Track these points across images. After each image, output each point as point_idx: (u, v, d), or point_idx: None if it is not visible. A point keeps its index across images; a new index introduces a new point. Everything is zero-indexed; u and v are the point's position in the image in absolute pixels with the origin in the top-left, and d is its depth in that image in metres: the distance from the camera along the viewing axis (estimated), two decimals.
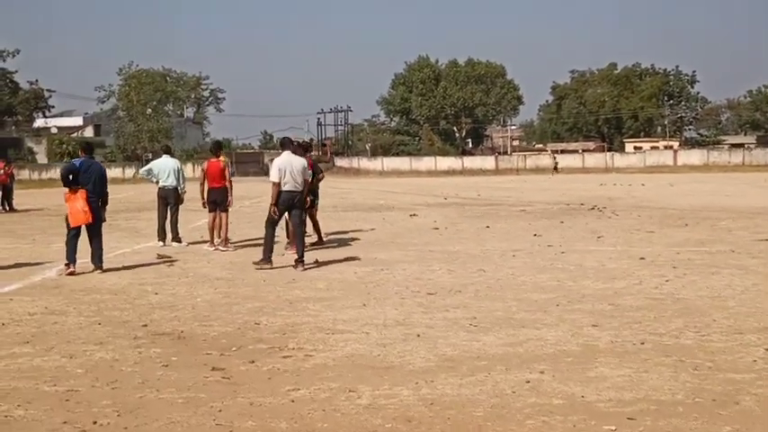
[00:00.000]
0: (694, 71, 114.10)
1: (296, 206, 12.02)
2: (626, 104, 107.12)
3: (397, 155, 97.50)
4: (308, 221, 14.15)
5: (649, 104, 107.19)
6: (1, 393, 5.68)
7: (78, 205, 11.44)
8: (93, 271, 11.45)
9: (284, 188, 11.86)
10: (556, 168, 76.63)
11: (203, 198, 14.11)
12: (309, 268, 11.67)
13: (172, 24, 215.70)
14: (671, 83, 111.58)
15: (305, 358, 6.56)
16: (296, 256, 11.76)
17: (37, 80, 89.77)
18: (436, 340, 7.06)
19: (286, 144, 12.42)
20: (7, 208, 26.77)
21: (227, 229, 14.17)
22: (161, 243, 14.76)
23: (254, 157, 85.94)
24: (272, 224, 11.99)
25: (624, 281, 10.12)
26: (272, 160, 13.13)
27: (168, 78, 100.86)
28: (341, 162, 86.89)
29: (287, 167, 11.88)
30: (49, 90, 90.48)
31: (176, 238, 14.84)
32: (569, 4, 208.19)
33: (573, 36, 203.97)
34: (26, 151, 75.28)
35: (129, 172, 69.65)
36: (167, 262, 12.58)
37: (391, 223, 19.55)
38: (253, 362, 6.45)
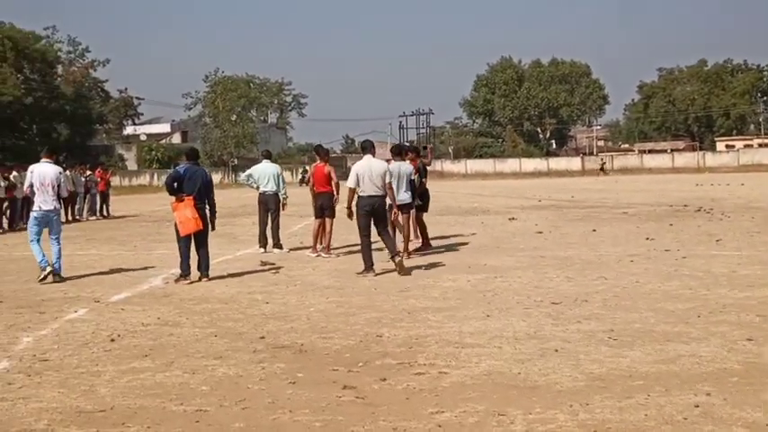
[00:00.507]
0: None
1: (378, 212, 11.71)
2: (717, 102, 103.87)
3: (480, 157, 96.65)
4: (410, 225, 13.77)
5: (742, 101, 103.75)
6: (128, 413, 5.38)
7: (188, 213, 11.21)
8: (200, 279, 11.24)
9: (363, 194, 11.58)
10: (602, 169, 74.29)
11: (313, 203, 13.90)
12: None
13: (255, 30, 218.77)
14: (765, 79, 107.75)
15: (439, 376, 6.10)
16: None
17: (126, 88, 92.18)
18: (577, 356, 6.52)
19: (367, 148, 12.13)
20: (105, 214, 27.15)
21: (330, 235, 13.83)
22: (262, 249, 14.53)
23: (336, 162, 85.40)
24: (365, 234, 11.63)
25: (764, 289, 9.37)
26: (352, 163, 12.79)
27: (252, 84, 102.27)
28: None
29: (366, 173, 11.59)
30: (138, 98, 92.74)
31: (277, 245, 14.60)
32: (655, 0, 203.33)
33: (660, 33, 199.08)
34: (117, 158, 77.14)
35: (217, 177, 70.53)
36: (272, 269, 12.31)
37: (491, 227, 19.00)
38: (384, 379, 6.03)
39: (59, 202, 12.22)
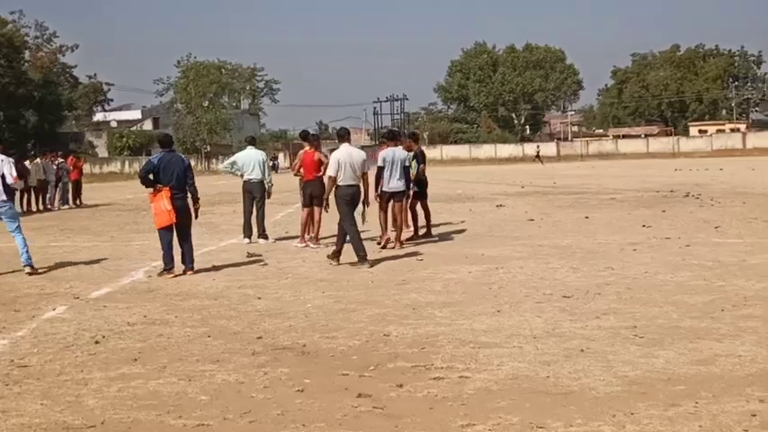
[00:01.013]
0: (760, 51, 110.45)
1: (357, 201, 11.50)
2: (690, 87, 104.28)
3: (455, 143, 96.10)
4: (406, 213, 13.25)
5: (714, 86, 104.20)
6: (121, 428, 4.82)
7: (162, 205, 10.57)
8: (184, 272, 10.63)
9: (342, 183, 11.23)
10: (538, 156, 73.64)
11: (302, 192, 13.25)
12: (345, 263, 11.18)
13: (226, 16, 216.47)
14: (736, 64, 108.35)
15: (461, 380, 5.58)
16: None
17: (96, 74, 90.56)
18: (605, 356, 6.03)
19: (344, 135, 11.81)
20: (78, 203, 26.32)
21: (319, 225, 13.26)
22: (246, 240, 13.92)
23: None
24: (351, 223, 11.22)
25: None
26: (330, 151, 12.33)
27: (223, 70, 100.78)
28: None
29: (347, 161, 11.26)
30: (107, 84, 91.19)
31: (263, 235, 14.00)
32: None
33: (633, 18, 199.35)
34: (87, 145, 75.62)
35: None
36: (260, 261, 11.72)
37: (480, 214, 18.51)
38: (401, 386, 5.50)
39: (6, 194, 11.24)
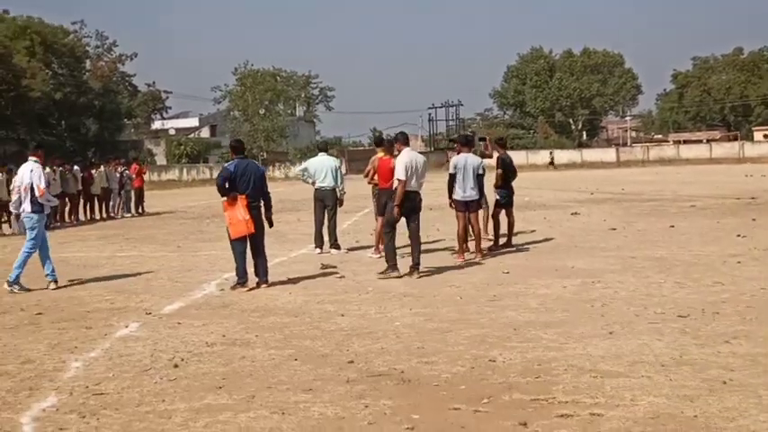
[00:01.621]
0: None
1: (417, 208, 10.95)
2: (754, 91, 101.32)
3: (512, 149, 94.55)
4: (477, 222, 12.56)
5: None
6: None
7: (239, 215, 10.03)
8: (258, 286, 10.07)
9: (408, 188, 10.74)
10: (552, 163, 71.88)
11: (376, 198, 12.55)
12: (424, 276, 10.65)
13: (283, 24, 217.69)
14: None
15: (593, 419, 4.87)
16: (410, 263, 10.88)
17: (154, 82, 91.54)
18: (756, 391, 5.26)
19: (406, 140, 11.37)
20: (140, 211, 26.12)
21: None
22: (318, 250, 13.35)
23: (366, 155, 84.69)
24: (391, 226, 10.88)
25: None
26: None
27: (278, 78, 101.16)
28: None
29: (413, 165, 10.74)
30: (165, 92, 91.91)
31: (335, 245, 13.40)
32: None
33: (694, 21, 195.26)
34: (146, 153, 76.30)
35: None
36: (335, 273, 11.11)
37: (557, 223, 17.71)
38: (525, 424, 4.81)
39: (33, 204, 10.56)
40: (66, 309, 9.18)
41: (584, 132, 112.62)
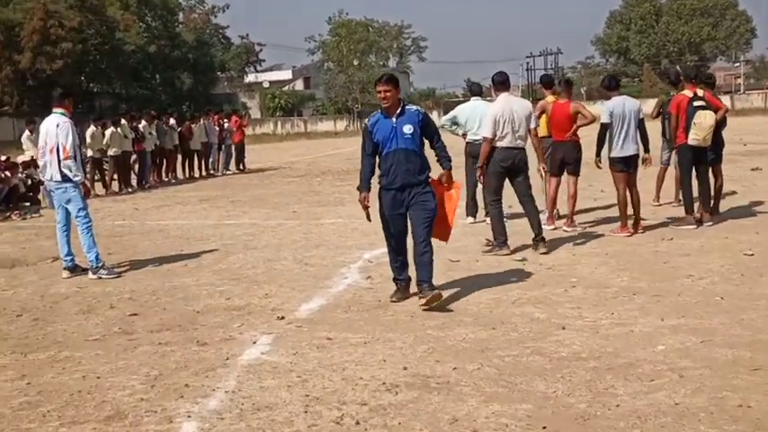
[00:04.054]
0: None
1: (518, 169, 8.60)
2: None
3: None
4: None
5: None
6: None
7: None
8: (429, 297, 7.51)
9: (501, 144, 8.46)
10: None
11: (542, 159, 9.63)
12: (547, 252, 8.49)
13: None
14: None
15: None
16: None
17: (248, 34, 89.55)
18: None
19: (504, 82, 8.76)
20: (241, 168, 23.95)
21: (575, 200, 9.94)
22: (470, 219, 10.75)
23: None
24: (494, 198, 8.71)
25: None
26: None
27: (371, 28, 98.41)
28: None
29: (506, 116, 8.42)
30: (259, 44, 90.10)
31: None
32: None
33: None
34: (241, 106, 74.88)
35: (341, 125, 67.86)
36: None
37: (748, 181, 14.48)
38: None
39: (66, 169, 8.11)
40: (169, 306, 6.84)
41: None
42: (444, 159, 6.72)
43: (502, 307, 6.31)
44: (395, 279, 6.82)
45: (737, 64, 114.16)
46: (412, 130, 6.46)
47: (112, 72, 59.65)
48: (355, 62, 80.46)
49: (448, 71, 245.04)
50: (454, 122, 10.81)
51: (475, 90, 11.35)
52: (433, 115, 71.90)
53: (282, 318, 6.24)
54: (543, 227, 9.37)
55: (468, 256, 8.44)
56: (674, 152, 10.35)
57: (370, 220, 6.63)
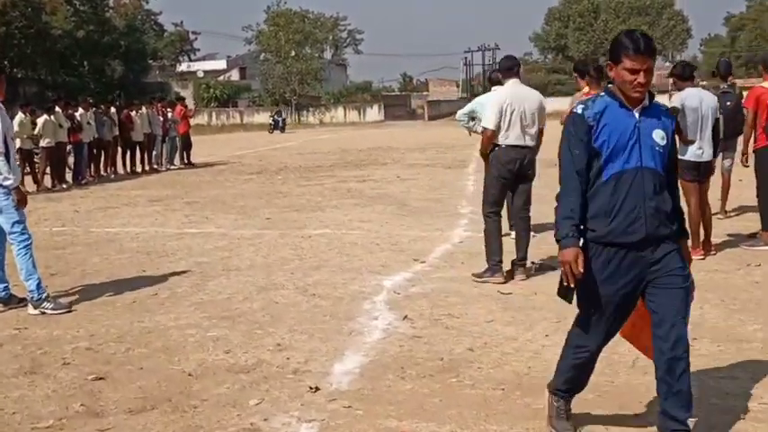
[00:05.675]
0: None
1: (525, 173, 7.14)
2: None
3: (552, 95, 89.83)
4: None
5: None
6: None
7: None
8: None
9: (506, 142, 7.02)
10: None
11: None
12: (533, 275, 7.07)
13: None
14: None
15: None
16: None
17: (182, 21, 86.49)
18: None
19: (512, 68, 7.33)
20: (186, 161, 21.81)
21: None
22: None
23: (400, 100, 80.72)
24: (493, 210, 7.17)
25: None
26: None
27: (306, 19, 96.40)
28: None
29: (514, 107, 7.00)
30: (194, 32, 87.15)
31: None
32: None
33: None
34: (174, 96, 71.97)
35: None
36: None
37: None
38: None
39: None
40: (147, 364, 4.96)
41: None
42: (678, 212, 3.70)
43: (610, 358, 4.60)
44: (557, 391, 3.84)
45: (667, 64, 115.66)
46: (665, 141, 3.54)
47: (38, 57, 56.30)
48: (293, 53, 78.26)
49: (385, 65, 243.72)
50: (471, 117, 9.07)
51: (495, 79, 9.60)
52: (374, 110, 70.15)
53: (316, 389, 4.42)
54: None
55: (507, 290, 6.73)
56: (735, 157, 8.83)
57: (570, 302, 3.60)
